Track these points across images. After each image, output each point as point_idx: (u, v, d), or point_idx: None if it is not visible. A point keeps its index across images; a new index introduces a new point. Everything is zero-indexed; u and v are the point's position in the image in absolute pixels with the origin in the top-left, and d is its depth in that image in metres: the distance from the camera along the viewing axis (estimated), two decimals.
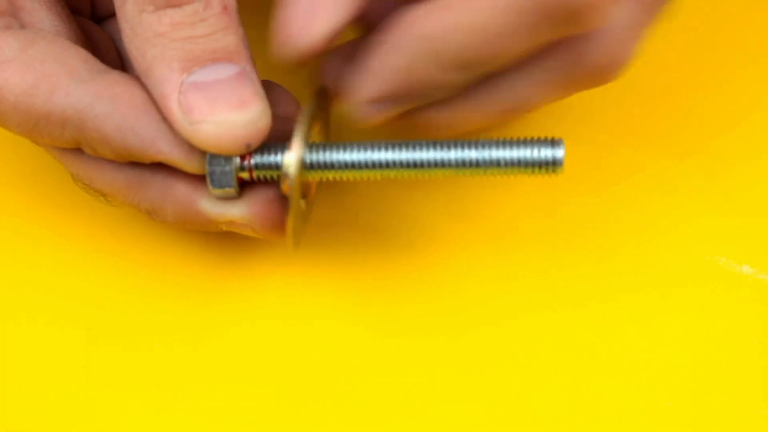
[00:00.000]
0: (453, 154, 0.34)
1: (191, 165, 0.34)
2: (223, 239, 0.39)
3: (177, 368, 0.36)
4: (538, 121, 0.43)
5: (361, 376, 0.36)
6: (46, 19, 0.36)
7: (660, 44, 0.45)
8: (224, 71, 0.33)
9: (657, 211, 0.40)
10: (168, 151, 0.34)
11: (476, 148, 0.34)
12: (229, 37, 0.34)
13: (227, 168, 0.34)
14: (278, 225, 0.35)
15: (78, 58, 0.34)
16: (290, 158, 0.33)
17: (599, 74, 0.34)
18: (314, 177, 0.34)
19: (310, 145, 0.34)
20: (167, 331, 0.37)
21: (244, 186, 0.34)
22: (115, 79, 0.34)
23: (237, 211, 0.35)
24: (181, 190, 0.35)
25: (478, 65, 0.32)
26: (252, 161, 0.34)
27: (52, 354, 0.36)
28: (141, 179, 0.35)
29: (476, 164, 0.34)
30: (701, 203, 0.40)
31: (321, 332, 0.37)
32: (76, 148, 0.35)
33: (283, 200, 0.35)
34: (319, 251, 0.39)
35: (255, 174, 0.34)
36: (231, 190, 0.34)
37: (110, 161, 0.35)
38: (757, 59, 0.45)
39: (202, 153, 0.34)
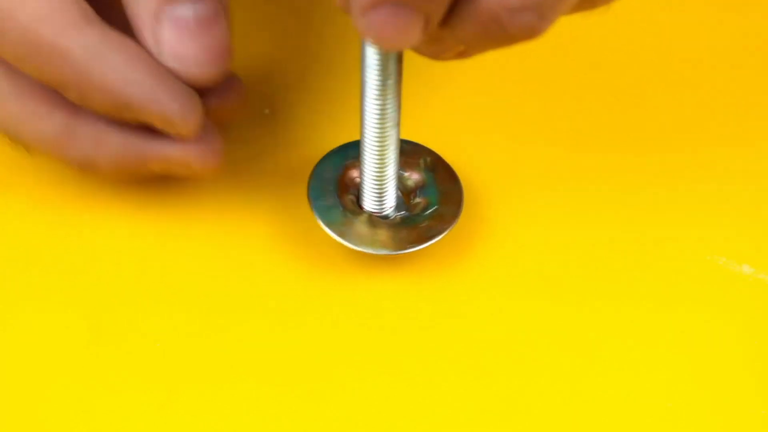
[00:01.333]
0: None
1: (187, 124, 0.35)
2: (224, 239, 0.39)
3: (177, 368, 0.36)
4: (535, 118, 0.43)
5: (360, 374, 0.36)
6: None
7: (660, 43, 0.45)
8: (202, 9, 0.34)
9: (657, 211, 0.40)
10: (168, 107, 0.34)
11: None
12: None
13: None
14: (213, 161, 0.36)
15: (87, 5, 0.34)
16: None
17: None
18: None
19: None
20: (167, 331, 0.37)
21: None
22: (118, 32, 0.34)
23: (174, 149, 0.36)
24: (116, 136, 0.35)
25: None
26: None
27: (52, 354, 0.36)
28: (72, 130, 0.35)
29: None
30: (701, 203, 0.40)
31: (323, 332, 0.37)
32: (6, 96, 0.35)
33: (218, 135, 0.36)
34: (320, 251, 0.39)
35: None
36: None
37: (41, 110, 0.35)
38: (758, 59, 0.45)
39: (199, 113, 0.35)
